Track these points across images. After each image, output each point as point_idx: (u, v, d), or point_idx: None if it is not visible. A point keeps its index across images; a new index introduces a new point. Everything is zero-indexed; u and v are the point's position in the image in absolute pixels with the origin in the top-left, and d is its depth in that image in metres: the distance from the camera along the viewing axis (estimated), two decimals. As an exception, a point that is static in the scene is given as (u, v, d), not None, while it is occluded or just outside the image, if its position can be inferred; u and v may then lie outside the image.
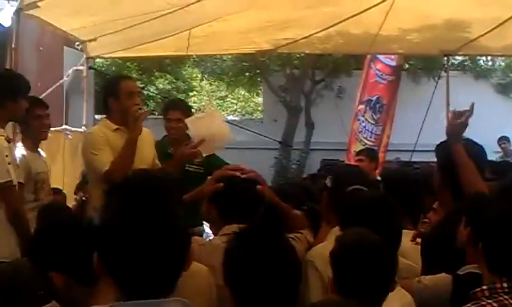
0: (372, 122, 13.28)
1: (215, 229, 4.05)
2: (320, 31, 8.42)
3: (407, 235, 3.86)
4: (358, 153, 9.81)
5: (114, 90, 5.55)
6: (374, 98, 13.28)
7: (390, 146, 13.99)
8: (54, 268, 2.74)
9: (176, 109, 6.69)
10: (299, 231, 4.10)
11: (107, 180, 5.07)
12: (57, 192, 7.53)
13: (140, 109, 5.47)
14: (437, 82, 10.28)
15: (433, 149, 4.68)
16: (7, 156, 4.88)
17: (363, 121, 13.39)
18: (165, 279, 2.16)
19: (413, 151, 11.67)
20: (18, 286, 3.41)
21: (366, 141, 13.15)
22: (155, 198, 2.22)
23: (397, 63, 13.29)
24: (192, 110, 7.79)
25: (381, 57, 12.90)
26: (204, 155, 5.71)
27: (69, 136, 9.35)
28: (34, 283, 2.93)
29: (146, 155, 5.56)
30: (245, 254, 2.72)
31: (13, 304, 2.80)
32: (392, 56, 12.81)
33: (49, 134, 8.68)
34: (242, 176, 3.93)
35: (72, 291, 2.70)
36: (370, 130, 13.31)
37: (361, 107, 13.45)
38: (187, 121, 5.79)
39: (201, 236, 5.80)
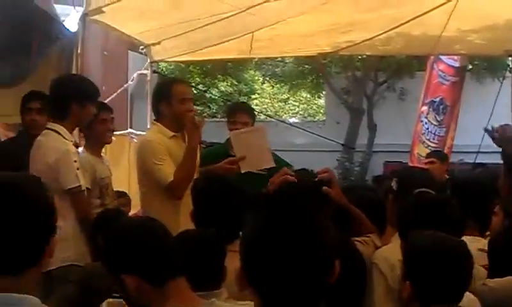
0: (435, 123, 13.12)
1: None
2: (382, 33, 8.37)
3: (473, 241, 3.79)
4: (429, 155, 9.68)
5: (166, 94, 5.43)
6: (437, 100, 13.12)
7: (453, 147, 13.81)
8: (126, 270, 2.77)
9: (244, 112, 6.62)
10: (367, 235, 4.09)
11: (170, 190, 5.04)
12: (122, 195, 7.57)
13: (195, 115, 5.37)
14: (502, 83, 10.13)
15: (497, 150, 4.62)
16: (75, 161, 4.88)
17: (426, 123, 13.24)
18: (311, 295, 2.08)
19: (478, 152, 11.51)
20: (93, 289, 3.48)
21: (429, 143, 13.01)
22: (304, 211, 2.14)
23: (460, 64, 13.10)
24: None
25: (443, 58, 12.74)
26: (242, 172, 5.54)
27: (134, 140, 9.45)
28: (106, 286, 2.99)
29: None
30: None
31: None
32: (455, 57, 12.64)
33: (113, 138, 8.85)
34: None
35: (143, 293, 2.72)
36: (433, 131, 13.15)
37: (425, 108, 13.31)
38: (232, 134, 5.75)
39: None
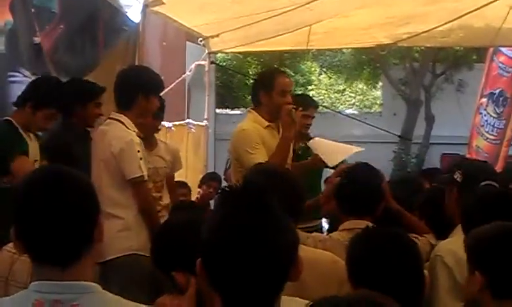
0: (495, 116, 12.91)
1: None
2: (441, 25, 8.31)
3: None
4: None
5: (267, 84, 5.48)
6: (497, 92, 12.90)
7: (512, 140, 13.57)
8: (176, 266, 2.79)
9: (315, 107, 6.74)
10: (423, 235, 4.09)
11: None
12: (183, 185, 7.65)
13: (294, 108, 5.37)
14: None
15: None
16: (139, 151, 4.95)
17: (485, 115, 13.04)
18: (265, 294, 2.01)
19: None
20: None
21: (487, 135, 12.83)
22: (264, 207, 2.04)
23: None
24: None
25: (504, 49, 12.49)
26: (331, 165, 5.67)
27: (192, 129, 9.55)
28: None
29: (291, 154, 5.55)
30: (370, 254, 2.75)
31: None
32: (517, 47, 12.40)
33: (173, 128, 8.98)
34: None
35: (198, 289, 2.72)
36: (492, 124, 12.95)
37: (483, 100, 13.11)
38: (311, 143, 5.93)
39: (320, 231, 5.81)
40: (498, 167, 10.65)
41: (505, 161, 12.04)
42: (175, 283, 2.81)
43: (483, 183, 3.75)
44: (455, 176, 4.02)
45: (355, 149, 5.96)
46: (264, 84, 5.54)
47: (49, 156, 5.07)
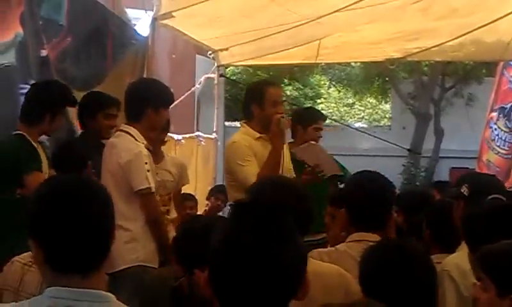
0: (506, 130, 12.83)
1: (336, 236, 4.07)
2: (452, 40, 8.31)
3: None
4: None
5: (258, 96, 5.47)
6: (508, 106, 12.81)
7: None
8: (197, 266, 2.80)
9: (324, 119, 6.73)
10: None
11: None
12: (189, 198, 7.66)
13: (283, 118, 5.36)
14: None
15: None
16: (146, 163, 4.95)
17: (495, 129, 12.97)
18: None
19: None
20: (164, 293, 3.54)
21: (499, 150, 12.76)
22: (273, 221, 2.02)
23: None
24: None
25: (515, 63, 12.47)
26: (329, 175, 5.67)
27: (202, 142, 9.55)
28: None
29: (288, 166, 5.52)
30: (383, 267, 2.75)
31: None
32: (528, 62, 12.34)
33: (182, 141, 8.98)
34: None
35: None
36: (503, 138, 12.88)
37: (494, 114, 13.05)
38: (297, 150, 5.83)
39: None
40: (510, 182, 10.60)
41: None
42: (192, 281, 2.79)
43: (490, 197, 3.72)
44: (462, 190, 4.00)
45: (337, 171, 5.95)
46: (255, 96, 5.52)
47: (61, 166, 5.07)
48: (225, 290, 1.97)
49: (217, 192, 8.42)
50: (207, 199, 8.38)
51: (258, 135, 5.43)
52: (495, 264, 2.85)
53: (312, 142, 6.04)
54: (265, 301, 1.95)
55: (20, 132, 5.10)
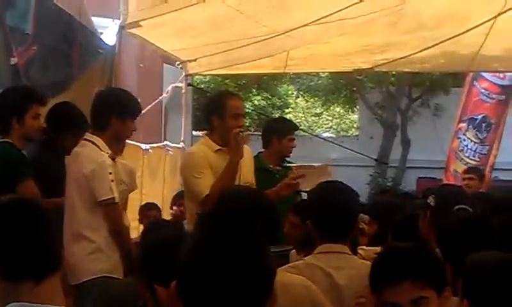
0: (476, 141, 12.90)
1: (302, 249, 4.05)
2: (419, 52, 8.37)
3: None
4: (468, 171, 9.62)
5: (219, 107, 5.44)
6: (480, 117, 12.88)
7: (495, 165, 13.52)
8: (158, 280, 2.78)
9: (296, 129, 6.76)
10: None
11: (205, 205, 4.98)
12: (153, 207, 7.63)
13: (242, 131, 5.36)
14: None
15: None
16: (110, 173, 4.92)
17: (464, 140, 13.04)
18: None
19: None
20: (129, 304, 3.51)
21: (468, 160, 12.81)
22: (241, 232, 2.00)
23: (510, 82, 12.81)
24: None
25: (487, 75, 12.51)
26: (304, 190, 5.65)
27: (170, 152, 9.51)
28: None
29: (246, 176, 5.49)
30: None
31: None
32: (501, 75, 12.42)
33: (150, 150, 8.94)
34: None
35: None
36: (473, 149, 12.93)
37: (462, 125, 13.13)
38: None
39: None
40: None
41: (488, 186, 12.08)
42: (155, 296, 2.78)
43: (456, 208, 3.76)
44: (428, 201, 4.06)
45: (329, 173, 5.97)
46: (216, 107, 5.49)
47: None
48: (195, 302, 1.93)
49: (180, 199, 8.32)
50: (171, 207, 8.30)
51: (217, 147, 5.41)
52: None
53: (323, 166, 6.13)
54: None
55: (6, 140, 5.06)
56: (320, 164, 6.23)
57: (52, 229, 2.37)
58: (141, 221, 7.47)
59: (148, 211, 7.49)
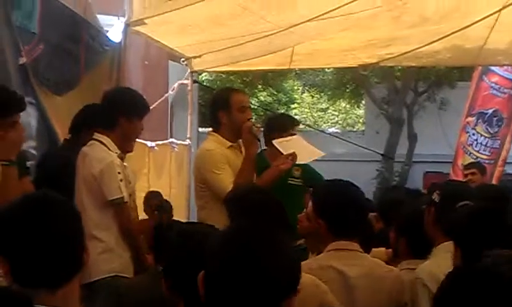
0: (487, 135, 12.84)
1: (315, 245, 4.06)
2: (424, 46, 8.37)
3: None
4: (469, 166, 9.58)
5: (224, 103, 5.46)
6: (490, 111, 12.81)
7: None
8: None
9: (296, 125, 6.73)
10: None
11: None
12: (155, 196, 7.73)
13: (254, 124, 5.38)
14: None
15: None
16: (119, 173, 4.94)
17: (473, 134, 12.99)
18: None
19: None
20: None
21: (478, 155, 12.77)
22: (267, 227, 2.12)
23: None
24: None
25: (497, 69, 12.46)
26: (298, 162, 5.61)
27: (175, 149, 9.52)
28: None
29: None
30: None
31: None
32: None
33: (156, 148, 8.95)
34: None
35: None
36: (484, 143, 12.88)
37: (471, 119, 13.08)
38: (276, 142, 5.74)
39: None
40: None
41: (498, 180, 12.05)
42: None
43: (461, 204, 3.75)
44: (433, 197, 4.05)
45: (320, 153, 5.92)
46: (222, 103, 5.51)
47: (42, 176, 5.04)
48: (220, 293, 2.00)
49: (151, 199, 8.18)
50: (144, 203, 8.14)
51: (229, 143, 5.43)
52: None
53: (295, 136, 6.03)
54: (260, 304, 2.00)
55: None
56: (293, 136, 6.06)
57: (73, 230, 2.27)
58: (145, 211, 7.49)
59: (150, 200, 7.52)
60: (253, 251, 2.00)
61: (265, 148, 6.44)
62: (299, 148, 5.59)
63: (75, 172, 5.07)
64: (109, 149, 5.02)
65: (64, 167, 5.10)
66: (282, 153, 5.55)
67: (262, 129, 5.96)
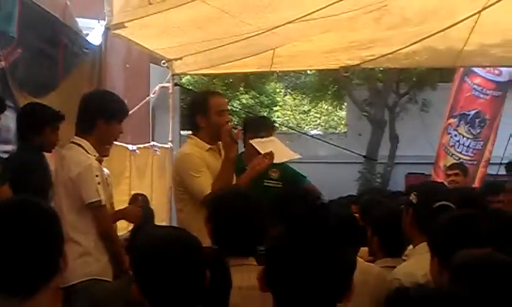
0: (470, 136, 12.90)
1: None
2: (405, 47, 8.41)
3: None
4: (452, 167, 9.62)
5: (202, 107, 5.48)
6: (472, 113, 12.87)
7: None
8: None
9: (274, 129, 6.73)
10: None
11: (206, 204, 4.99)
12: (137, 198, 7.70)
13: (234, 127, 5.39)
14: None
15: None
16: (97, 176, 4.91)
17: (455, 135, 13.05)
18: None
19: (500, 164, 11.50)
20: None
21: (460, 156, 12.83)
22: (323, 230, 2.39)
23: (506, 78, 12.79)
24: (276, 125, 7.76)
25: (479, 71, 12.54)
26: (275, 162, 5.68)
27: (157, 152, 9.50)
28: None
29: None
30: None
31: None
32: (496, 71, 12.43)
33: (137, 151, 8.94)
34: None
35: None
36: (466, 144, 12.95)
37: (453, 121, 13.13)
38: (254, 142, 5.79)
39: None
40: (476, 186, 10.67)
41: (481, 181, 12.11)
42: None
43: (437, 204, 3.79)
44: (410, 198, 4.11)
45: (296, 155, 6.02)
46: (200, 107, 5.53)
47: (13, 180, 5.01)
48: (282, 288, 2.25)
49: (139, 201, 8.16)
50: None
51: (208, 146, 5.43)
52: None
53: (272, 138, 6.04)
54: (320, 298, 2.22)
55: None
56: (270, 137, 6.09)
57: (50, 235, 2.25)
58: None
59: (138, 202, 7.52)
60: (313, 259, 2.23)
61: (243, 150, 6.46)
62: (275, 149, 5.63)
63: (34, 173, 5.07)
64: (88, 152, 4.99)
65: (22, 169, 5.11)
66: (260, 153, 5.58)
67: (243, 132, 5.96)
